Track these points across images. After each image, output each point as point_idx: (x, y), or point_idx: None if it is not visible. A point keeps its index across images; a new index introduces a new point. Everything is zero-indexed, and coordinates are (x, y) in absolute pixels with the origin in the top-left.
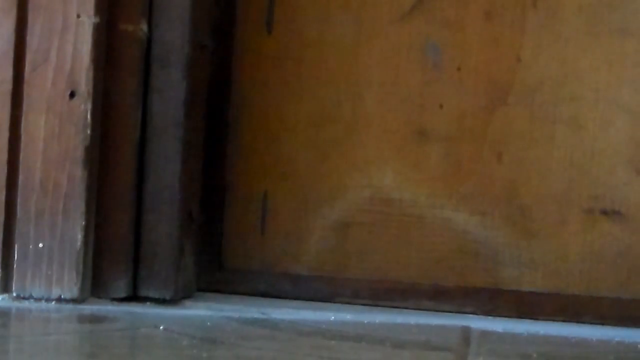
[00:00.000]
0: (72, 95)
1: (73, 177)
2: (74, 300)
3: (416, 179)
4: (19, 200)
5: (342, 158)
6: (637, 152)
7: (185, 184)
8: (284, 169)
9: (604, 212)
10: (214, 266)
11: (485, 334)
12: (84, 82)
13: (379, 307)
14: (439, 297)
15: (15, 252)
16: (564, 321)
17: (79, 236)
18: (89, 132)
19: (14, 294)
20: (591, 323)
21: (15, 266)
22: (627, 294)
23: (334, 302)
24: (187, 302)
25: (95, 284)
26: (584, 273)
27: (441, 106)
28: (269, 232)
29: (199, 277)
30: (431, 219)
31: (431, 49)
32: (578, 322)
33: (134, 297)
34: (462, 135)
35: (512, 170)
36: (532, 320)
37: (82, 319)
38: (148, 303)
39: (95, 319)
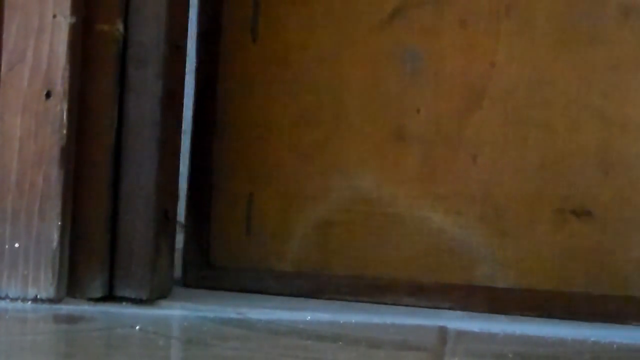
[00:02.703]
0: (48, 95)
1: (49, 177)
2: (50, 300)
3: (395, 180)
4: None
5: (324, 160)
6: (606, 155)
7: (161, 184)
8: (269, 171)
9: (574, 212)
10: (201, 264)
11: (461, 334)
12: (60, 82)
13: (360, 303)
14: (417, 293)
15: None
16: (536, 316)
17: (55, 236)
18: (65, 132)
19: None
20: (562, 318)
21: None
22: (597, 290)
23: (317, 298)
24: (163, 302)
25: (71, 284)
26: (555, 270)
27: (418, 110)
28: (255, 231)
29: (186, 274)
30: (409, 218)
31: (409, 55)
32: (550, 316)
33: (110, 297)
34: (439, 138)
35: (486, 172)
36: (506, 316)
37: (58, 319)
38: (124, 303)
39: (71, 319)
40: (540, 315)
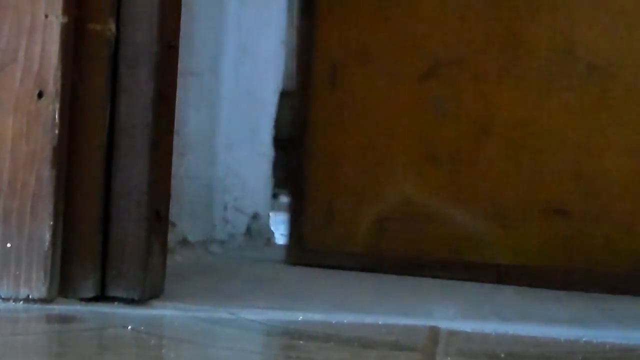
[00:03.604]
0: (40, 95)
1: (41, 177)
2: (42, 300)
3: (429, 188)
4: None
5: (380, 174)
6: (577, 171)
7: (153, 184)
8: (342, 182)
9: (555, 211)
10: (298, 248)
11: (453, 334)
12: (52, 82)
13: (406, 277)
14: (445, 268)
15: None
16: (527, 285)
17: (47, 236)
18: (57, 132)
19: None
20: (546, 286)
21: None
22: (573, 267)
23: (375, 272)
24: (155, 302)
25: (63, 284)
26: (541, 252)
27: (446, 139)
28: (333, 224)
29: (289, 256)
30: (439, 215)
31: (438, 101)
32: (537, 285)
33: (102, 297)
34: (459, 159)
35: (493, 183)
36: (500, 320)
37: (50, 319)
38: (116, 303)
39: (63, 319)
40: (530, 284)
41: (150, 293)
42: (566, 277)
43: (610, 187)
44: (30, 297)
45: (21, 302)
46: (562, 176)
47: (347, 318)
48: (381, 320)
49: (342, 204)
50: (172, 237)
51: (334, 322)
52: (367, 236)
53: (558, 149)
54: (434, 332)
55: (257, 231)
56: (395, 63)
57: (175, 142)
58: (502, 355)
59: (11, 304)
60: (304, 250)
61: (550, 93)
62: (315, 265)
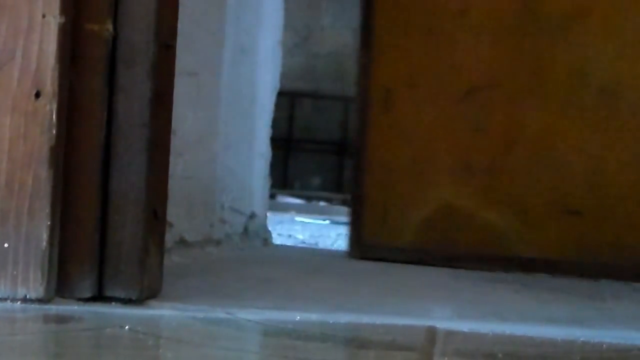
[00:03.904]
0: (37, 95)
1: (38, 177)
2: (39, 300)
3: (466, 193)
4: None
5: (426, 182)
6: (591, 177)
7: (151, 183)
8: (394, 189)
9: (570, 212)
10: (358, 243)
11: (450, 334)
12: (50, 82)
13: (446, 268)
14: (480, 261)
15: None
16: (546, 273)
17: (45, 236)
18: (54, 132)
19: None
20: (562, 275)
21: None
22: (586, 260)
23: (423, 265)
24: (153, 302)
25: (60, 284)
26: (558, 247)
27: (480, 151)
28: (387, 223)
29: (351, 250)
30: (474, 217)
31: (474, 119)
32: (555, 274)
33: (99, 297)
34: (491, 169)
35: (519, 188)
36: (498, 320)
37: (48, 319)
38: (113, 303)
39: (60, 319)
40: (548, 273)
41: (147, 293)
42: (580, 268)
43: (618, 192)
44: (27, 297)
45: (18, 302)
46: (577, 182)
47: (344, 318)
48: (378, 320)
49: (394, 207)
50: (169, 237)
51: (331, 322)
52: (414, 234)
53: (573, 159)
54: (431, 332)
55: (254, 231)
56: (438, 88)
57: (172, 142)
58: (500, 355)
59: (8, 304)
60: (363, 246)
61: (568, 112)
62: (371, 259)
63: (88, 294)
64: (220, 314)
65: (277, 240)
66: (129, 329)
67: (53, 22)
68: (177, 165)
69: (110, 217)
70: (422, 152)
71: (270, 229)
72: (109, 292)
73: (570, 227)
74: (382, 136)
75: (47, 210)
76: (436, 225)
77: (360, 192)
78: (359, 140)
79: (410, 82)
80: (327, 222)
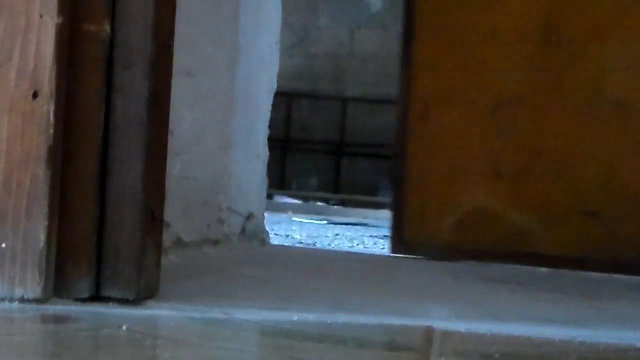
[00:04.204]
0: (35, 95)
1: (36, 177)
2: (36, 301)
3: (495, 197)
4: None
5: (459, 186)
6: (607, 182)
7: (148, 184)
8: (431, 193)
9: (588, 213)
10: (399, 241)
11: (448, 334)
12: (47, 82)
13: (474, 263)
14: (508, 257)
15: None
16: (567, 268)
17: (42, 236)
18: (51, 132)
19: None
20: (580, 269)
21: None
22: (602, 257)
23: (456, 261)
24: (150, 302)
25: (58, 284)
26: (577, 245)
27: (508, 159)
28: (425, 224)
29: (393, 247)
30: (502, 217)
31: (501, 130)
32: (575, 268)
33: (96, 297)
34: (517, 175)
35: (542, 191)
36: (495, 320)
37: (45, 319)
38: (111, 303)
39: (58, 319)
40: (569, 268)
41: (145, 293)
42: (596, 264)
43: (630, 195)
44: (25, 297)
45: (16, 302)
46: (594, 186)
47: (341, 318)
48: (376, 320)
49: (431, 209)
50: (166, 237)
51: (328, 322)
52: (449, 233)
53: (591, 166)
54: (429, 332)
55: (251, 231)
56: (470, 102)
57: (170, 142)
58: (497, 355)
59: (6, 304)
60: (403, 244)
61: (586, 124)
62: (413, 255)
63: (85, 294)
64: (217, 314)
65: (274, 240)
66: (127, 329)
67: (50, 23)
68: (175, 166)
69: (107, 217)
70: (456, 160)
71: (267, 229)
72: (106, 292)
73: (587, 227)
74: (420, 145)
75: (45, 210)
76: (468, 226)
77: (400, 196)
78: (400, 150)
79: (446, 96)
80: (325, 222)
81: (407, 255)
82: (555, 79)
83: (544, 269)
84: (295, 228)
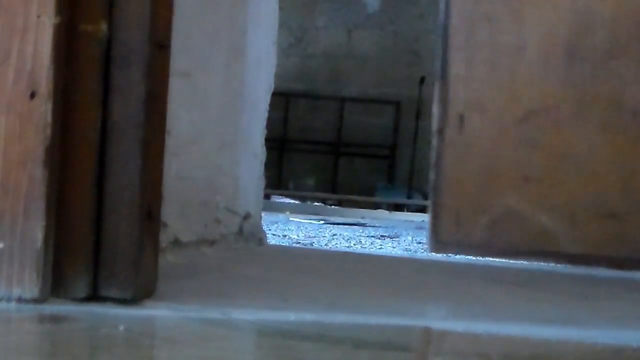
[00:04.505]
0: (32, 95)
1: (33, 177)
2: (34, 301)
3: (524, 200)
4: None
5: (491, 191)
6: (625, 186)
7: (146, 184)
8: (465, 196)
9: (607, 215)
10: (436, 241)
11: (445, 334)
12: (45, 82)
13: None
14: (534, 255)
15: None
16: (587, 264)
17: (40, 236)
18: (49, 132)
19: None
20: (599, 265)
21: None
22: (620, 255)
23: (487, 257)
24: (148, 302)
25: (55, 284)
26: (598, 244)
27: (535, 165)
28: (459, 225)
29: (430, 246)
30: (529, 219)
31: (530, 138)
32: (596, 265)
33: (94, 297)
34: (544, 180)
35: (567, 195)
36: (492, 321)
37: (43, 319)
38: (108, 303)
39: (55, 319)
40: (589, 264)
41: (142, 293)
42: (615, 262)
43: None
44: (22, 297)
45: (13, 302)
46: (613, 190)
47: (339, 318)
48: (373, 320)
49: (465, 211)
50: (164, 237)
51: (326, 322)
52: (481, 233)
53: (610, 172)
54: (426, 332)
55: (249, 231)
56: (501, 112)
57: (167, 142)
58: (494, 355)
59: (4, 304)
60: (440, 243)
61: (606, 132)
62: (448, 253)
63: (83, 294)
64: (215, 314)
65: (271, 240)
66: (124, 329)
67: (48, 23)
68: (172, 166)
69: (105, 218)
70: (488, 166)
71: (264, 229)
72: (104, 292)
73: (608, 228)
74: (456, 153)
75: (42, 210)
76: (499, 226)
77: (438, 200)
78: (438, 157)
79: (479, 108)
80: (322, 222)
81: (443, 253)
82: (579, 91)
83: (542, 269)
84: (293, 228)
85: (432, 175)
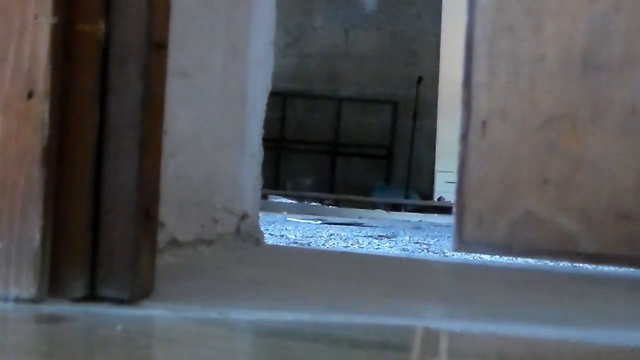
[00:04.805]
0: (30, 95)
1: (31, 177)
2: (31, 300)
3: (544, 202)
4: None
5: (512, 193)
6: (638, 189)
7: (143, 184)
8: (487, 198)
9: (622, 216)
10: (460, 240)
11: (442, 334)
12: (42, 82)
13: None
14: (554, 255)
15: None
16: (606, 264)
17: (37, 236)
18: (46, 132)
19: None
20: (617, 264)
21: None
22: (634, 254)
23: (508, 256)
24: (145, 302)
25: (53, 284)
26: (614, 244)
27: (554, 169)
28: (483, 226)
29: (454, 245)
30: (548, 221)
31: (550, 144)
32: (614, 263)
33: (91, 297)
34: (562, 184)
35: (584, 197)
36: (490, 320)
37: (40, 319)
38: (106, 303)
39: (53, 319)
40: (607, 263)
41: (139, 293)
42: (630, 260)
43: None
44: (19, 297)
45: (11, 302)
46: (627, 193)
47: (336, 318)
48: (370, 320)
49: (487, 212)
50: (161, 238)
51: (323, 322)
52: (503, 234)
53: (625, 175)
54: (424, 332)
55: (246, 231)
56: (522, 118)
57: (164, 142)
58: (492, 355)
59: (1, 304)
60: (464, 243)
61: (621, 138)
62: (472, 252)
63: (80, 294)
64: (212, 314)
65: (269, 240)
66: (122, 329)
67: (45, 23)
68: (169, 166)
69: (102, 218)
70: (509, 170)
71: (262, 229)
72: (101, 292)
73: (622, 229)
74: (479, 158)
75: (40, 210)
76: (519, 227)
77: (462, 202)
78: (461, 161)
79: (501, 114)
80: (319, 222)
81: (467, 252)
82: (595, 98)
83: (541, 269)
84: (290, 228)
85: (457, 178)
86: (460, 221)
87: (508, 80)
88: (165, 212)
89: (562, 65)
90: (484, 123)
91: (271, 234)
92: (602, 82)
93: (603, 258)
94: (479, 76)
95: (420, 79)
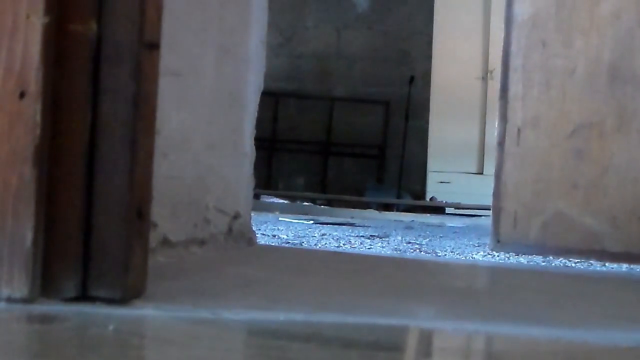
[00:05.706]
0: (22, 95)
1: (23, 177)
2: (23, 301)
3: (572, 205)
4: None
5: (544, 196)
6: None
7: (135, 184)
8: (521, 201)
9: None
10: (497, 241)
11: (434, 334)
12: (34, 82)
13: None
14: (580, 253)
15: None
16: (627, 261)
17: (29, 236)
18: (38, 132)
19: None
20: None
21: None
22: None
23: (542, 256)
24: (137, 302)
25: (45, 284)
26: (637, 244)
27: (582, 173)
28: (517, 226)
29: (491, 245)
30: (576, 221)
31: (577, 150)
32: (635, 262)
33: (83, 297)
34: (589, 187)
35: (610, 199)
36: (482, 320)
37: (32, 319)
38: (98, 303)
39: (45, 319)
40: (631, 262)
41: (131, 293)
42: None
43: None
44: (11, 297)
45: (3, 302)
46: None
47: (328, 318)
48: (362, 320)
49: (521, 214)
50: (153, 237)
51: (315, 321)
52: (535, 234)
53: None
54: (415, 331)
55: (238, 231)
56: (553, 127)
57: (156, 142)
58: (483, 354)
59: None
60: (500, 243)
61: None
62: (506, 252)
63: (72, 294)
64: (204, 313)
65: (261, 240)
66: (114, 329)
67: (37, 23)
68: (161, 165)
69: (94, 218)
70: (541, 174)
71: (254, 229)
72: (93, 292)
73: None
74: (514, 163)
75: (32, 210)
76: (550, 228)
77: (498, 204)
78: (498, 166)
79: (534, 123)
80: (311, 222)
81: (502, 252)
82: (620, 108)
83: (539, 268)
84: (282, 228)
85: (494, 182)
86: (496, 223)
87: (540, 91)
88: (158, 212)
89: (590, 77)
90: (518, 131)
91: (263, 234)
92: (627, 93)
93: (628, 257)
94: (514, 88)
95: (412, 79)
